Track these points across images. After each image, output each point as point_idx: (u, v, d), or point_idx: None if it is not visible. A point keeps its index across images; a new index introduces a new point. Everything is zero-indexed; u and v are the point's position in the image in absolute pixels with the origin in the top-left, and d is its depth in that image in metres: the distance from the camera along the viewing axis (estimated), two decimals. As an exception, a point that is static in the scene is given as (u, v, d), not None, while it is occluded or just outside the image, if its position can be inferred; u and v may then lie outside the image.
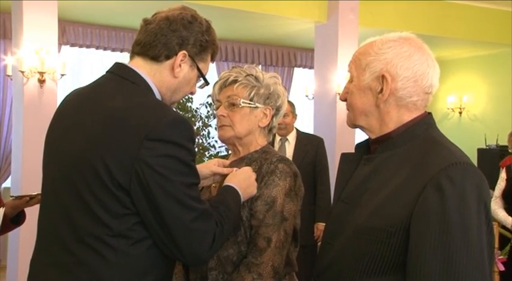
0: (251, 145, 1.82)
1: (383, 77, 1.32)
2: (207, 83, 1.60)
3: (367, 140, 1.46)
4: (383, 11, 6.81)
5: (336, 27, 6.45)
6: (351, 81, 1.41)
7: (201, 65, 1.54)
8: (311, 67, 8.07)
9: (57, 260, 1.41)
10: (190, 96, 6.07)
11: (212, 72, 7.91)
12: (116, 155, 1.34)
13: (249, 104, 1.76)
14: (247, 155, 1.81)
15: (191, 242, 1.38)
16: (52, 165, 1.49)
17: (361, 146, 1.47)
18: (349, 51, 6.23)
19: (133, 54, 1.51)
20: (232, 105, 1.76)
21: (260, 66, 8.05)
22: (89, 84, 1.54)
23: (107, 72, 1.52)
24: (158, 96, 1.50)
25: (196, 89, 1.60)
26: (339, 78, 6.35)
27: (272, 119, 1.82)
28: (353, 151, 1.49)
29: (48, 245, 1.45)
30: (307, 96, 7.51)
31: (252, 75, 1.78)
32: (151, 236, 1.39)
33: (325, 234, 1.46)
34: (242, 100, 1.75)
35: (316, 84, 6.77)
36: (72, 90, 1.61)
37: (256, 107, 1.78)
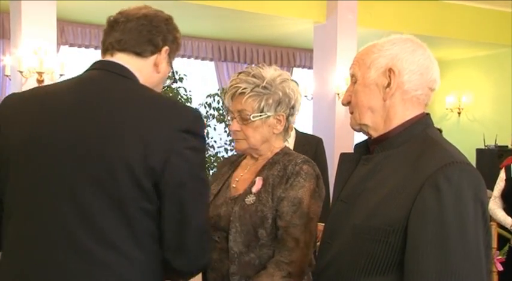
0: (269, 151, 1.84)
1: (390, 70, 1.34)
2: (175, 80, 1.64)
3: (366, 140, 1.46)
4: (382, 11, 6.82)
5: (334, 27, 6.46)
6: (353, 82, 1.41)
7: (172, 62, 1.59)
8: (310, 67, 8.07)
9: (66, 263, 1.31)
10: (189, 96, 6.09)
11: (211, 72, 7.92)
12: (149, 149, 1.29)
13: (260, 116, 1.76)
14: (269, 161, 1.82)
15: (203, 247, 1.39)
16: (53, 165, 1.35)
17: (360, 146, 1.47)
18: (348, 51, 6.24)
19: (114, 50, 1.47)
20: (244, 119, 1.77)
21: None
22: (73, 82, 1.47)
23: (92, 69, 1.48)
24: None
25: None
26: (338, 79, 6.35)
27: (287, 119, 1.82)
28: (352, 151, 1.49)
29: (46, 249, 1.33)
30: (306, 96, 7.51)
31: (260, 85, 1.76)
32: (161, 235, 1.35)
33: (324, 234, 1.46)
34: (253, 115, 1.75)
35: (315, 84, 6.78)
36: (28, 90, 1.51)
37: (268, 117, 1.77)
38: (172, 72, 1.61)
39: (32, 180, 1.35)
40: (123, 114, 1.33)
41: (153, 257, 1.35)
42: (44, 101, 1.42)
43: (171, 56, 1.55)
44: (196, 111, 1.41)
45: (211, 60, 7.89)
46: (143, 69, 1.48)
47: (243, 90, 1.75)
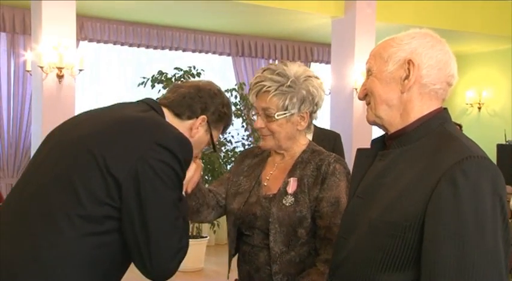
0: (294, 147, 1.87)
1: (409, 62, 1.33)
2: (215, 150, 1.79)
3: (383, 136, 1.46)
4: (400, 5, 6.76)
5: (353, 22, 6.42)
6: (369, 75, 1.40)
7: (214, 133, 1.72)
8: (328, 62, 8.04)
9: (11, 231, 1.42)
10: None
11: (229, 66, 7.93)
12: (119, 150, 1.41)
13: (284, 114, 1.79)
14: (298, 160, 1.86)
15: (164, 254, 1.42)
16: (47, 150, 1.53)
17: (377, 142, 1.47)
18: (366, 46, 6.20)
19: (160, 105, 1.64)
20: (269, 117, 1.81)
21: (276, 62, 8.03)
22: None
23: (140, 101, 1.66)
24: None
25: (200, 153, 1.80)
26: (356, 73, 6.32)
27: (311, 116, 1.85)
28: (369, 146, 1.49)
29: (9, 218, 1.46)
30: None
31: (285, 84, 1.78)
32: (125, 237, 1.41)
33: (341, 229, 1.46)
34: (277, 113, 1.79)
35: (332, 79, 6.75)
36: None
37: (292, 115, 1.80)
38: (212, 142, 1.74)
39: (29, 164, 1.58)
40: (112, 121, 1.49)
41: (84, 246, 1.39)
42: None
43: (211, 126, 1.70)
44: (180, 136, 1.49)
45: (228, 55, 7.90)
46: (178, 127, 1.59)
47: (268, 89, 1.78)
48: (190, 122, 1.65)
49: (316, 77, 1.86)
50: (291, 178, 1.81)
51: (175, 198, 1.45)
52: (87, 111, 1.65)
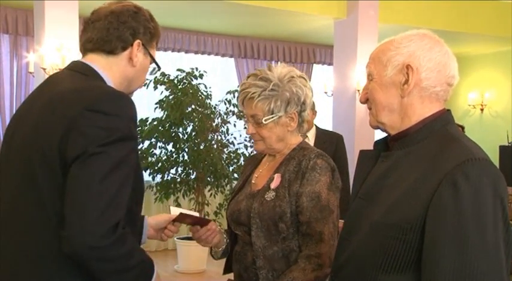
0: (286, 148, 1.90)
1: (408, 67, 1.33)
2: (159, 68, 1.67)
3: (385, 137, 1.46)
4: (403, 7, 6.75)
5: (355, 23, 6.42)
6: (370, 80, 1.40)
7: (152, 52, 1.59)
8: (330, 64, 8.03)
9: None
10: (209, 92, 6.10)
11: (231, 68, 7.93)
12: (57, 131, 1.33)
13: (272, 117, 1.82)
14: (286, 157, 1.89)
15: (79, 216, 1.27)
16: (3, 157, 1.51)
17: (379, 143, 1.47)
18: (368, 47, 6.19)
19: (86, 51, 1.54)
20: (257, 122, 1.84)
21: (279, 63, 8.02)
22: (44, 81, 1.59)
23: (65, 68, 1.57)
24: (111, 85, 1.52)
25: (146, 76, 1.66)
26: (358, 75, 6.31)
27: (300, 115, 1.87)
28: (372, 147, 1.49)
29: None
30: (326, 93, 7.49)
31: (268, 88, 1.80)
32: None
33: (343, 230, 1.46)
34: (264, 118, 1.82)
35: (335, 80, 6.75)
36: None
37: (280, 117, 1.83)
38: (154, 61, 1.62)
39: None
40: (44, 105, 1.41)
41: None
42: (26, 99, 1.57)
43: (147, 47, 1.57)
44: (113, 93, 1.40)
45: (231, 56, 7.90)
46: (114, 65, 1.52)
47: (253, 95, 1.82)
48: (126, 53, 1.52)
49: (301, 77, 1.88)
50: (276, 174, 1.85)
51: (114, 156, 1.32)
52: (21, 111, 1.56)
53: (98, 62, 1.51)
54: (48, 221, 1.36)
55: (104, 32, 1.50)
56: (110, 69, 1.52)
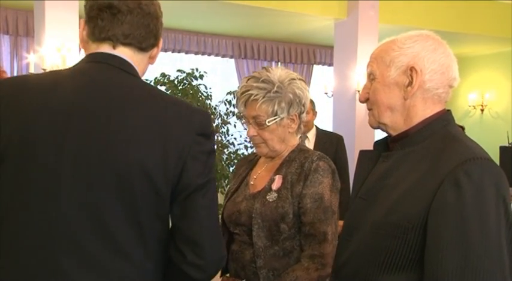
0: (286, 149, 1.92)
1: (412, 69, 1.32)
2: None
3: (385, 138, 1.46)
4: (403, 7, 6.75)
5: (355, 24, 6.42)
6: (371, 80, 1.40)
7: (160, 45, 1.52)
8: (330, 64, 8.04)
9: (71, 272, 1.23)
10: (209, 93, 6.10)
11: (232, 69, 7.94)
12: (168, 153, 1.27)
13: (275, 119, 1.84)
14: (286, 158, 1.90)
15: (216, 242, 1.34)
16: (57, 168, 1.24)
17: (379, 144, 1.47)
18: (368, 48, 6.19)
19: (118, 43, 1.37)
20: (260, 124, 1.85)
21: (279, 64, 8.03)
22: (72, 75, 1.35)
23: (90, 62, 1.38)
24: None
25: None
26: (359, 76, 6.31)
27: (299, 117, 1.90)
28: (372, 148, 1.49)
29: (48, 257, 1.24)
30: (326, 93, 7.49)
31: (271, 90, 1.82)
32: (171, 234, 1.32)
33: (344, 230, 1.46)
34: (268, 120, 1.83)
35: (335, 81, 6.75)
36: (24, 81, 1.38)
37: (282, 119, 1.85)
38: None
39: (31, 183, 1.24)
40: (137, 115, 1.27)
41: (162, 266, 1.33)
42: (44, 94, 1.30)
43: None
44: (207, 113, 1.40)
45: (231, 57, 7.91)
46: (141, 62, 1.42)
47: (256, 97, 1.82)
48: (152, 50, 1.43)
49: (300, 79, 1.90)
50: (277, 176, 1.86)
51: (215, 178, 1.43)
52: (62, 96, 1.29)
53: (132, 58, 1.39)
54: (142, 242, 1.28)
55: (143, 28, 1.38)
56: (138, 65, 1.41)
